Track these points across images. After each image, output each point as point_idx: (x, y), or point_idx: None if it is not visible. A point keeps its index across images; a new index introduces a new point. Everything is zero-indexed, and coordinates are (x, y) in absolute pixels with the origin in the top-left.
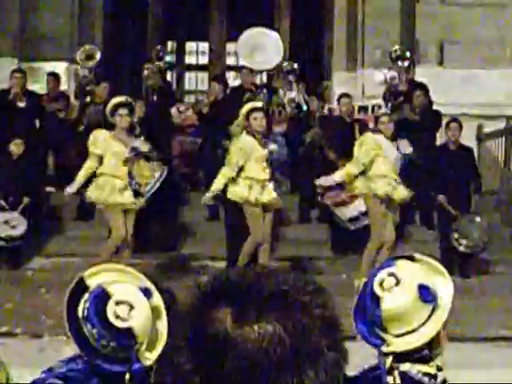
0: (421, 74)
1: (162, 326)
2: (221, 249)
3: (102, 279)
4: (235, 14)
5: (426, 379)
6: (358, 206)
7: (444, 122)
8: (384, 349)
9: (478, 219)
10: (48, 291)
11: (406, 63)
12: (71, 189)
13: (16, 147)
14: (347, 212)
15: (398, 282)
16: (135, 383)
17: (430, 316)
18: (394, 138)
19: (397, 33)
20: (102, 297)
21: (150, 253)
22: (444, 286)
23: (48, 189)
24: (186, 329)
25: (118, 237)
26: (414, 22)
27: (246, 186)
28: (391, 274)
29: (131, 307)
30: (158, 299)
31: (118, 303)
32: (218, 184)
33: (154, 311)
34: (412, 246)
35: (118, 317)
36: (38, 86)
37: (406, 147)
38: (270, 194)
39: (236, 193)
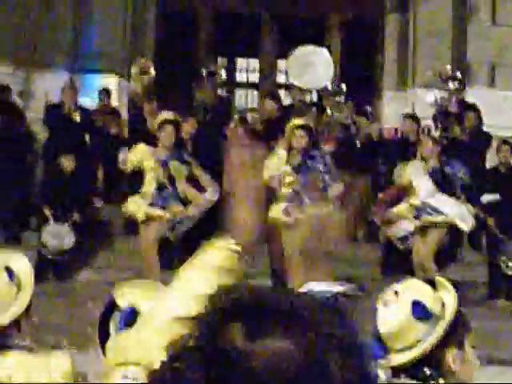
0: (471, 96)
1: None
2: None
3: (132, 297)
4: (286, 32)
5: None
6: (407, 226)
7: (494, 144)
8: (383, 361)
9: None
10: (95, 304)
11: (457, 84)
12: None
13: (67, 162)
14: (396, 231)
15: (396, 298)
16: None
17: (428, 333)
18: (440, 161)
19: (448, 53)
20: (131, 315)
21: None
22: (449, 304)
23: (96, 203)
24: (199, 343)
25: (149, 253)
26: (465, 43)
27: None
28: (395, 292)
29: None
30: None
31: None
32: None
33: None
34: (460, 268)
35: None
36: (88, 100)
37: (459, 168)
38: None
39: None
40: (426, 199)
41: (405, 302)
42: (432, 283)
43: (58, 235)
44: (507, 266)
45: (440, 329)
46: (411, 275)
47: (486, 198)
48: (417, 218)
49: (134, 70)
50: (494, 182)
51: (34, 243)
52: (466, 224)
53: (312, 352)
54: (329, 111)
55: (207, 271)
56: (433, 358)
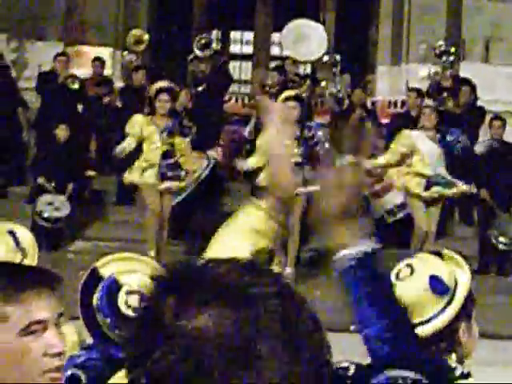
0: (466, 71)
1: None
2: None
3: (115, 268)
4: (281, 4)
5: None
6: (393, 199)
7: (488, 118)
8: None
9: None
10: None
11: (451, 58)
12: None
13: (61, 132)
14: (384, 204)
15: (412, 272)
16: None
17: (444, 308)
18: (437, 130)
19: (442, 29)
20: (113, 287)
21: (190, 241)
22: (463, 279)
23: (89, 173)
24: (142, 321)
25: (149, 221)
26: (460, 18)
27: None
28: (408, 265)
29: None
30: None
31: (129, 293)
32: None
33: None
34: (450, 242)
35: (129, 306)
36: (83, 71)
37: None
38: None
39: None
40: (436, 169)
41: (422, 276)
42: (440, 256)
43: (54, 204)
44: (498, 241)
45: (456, 303)
46: (403, 248)
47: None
48: (427, 188)
49: (128, 40)
50: (486, 156)
51: (27, 214)
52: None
53: (255, 326)
54: (323, 83)
55: (245, 233)
56: (447, 332)
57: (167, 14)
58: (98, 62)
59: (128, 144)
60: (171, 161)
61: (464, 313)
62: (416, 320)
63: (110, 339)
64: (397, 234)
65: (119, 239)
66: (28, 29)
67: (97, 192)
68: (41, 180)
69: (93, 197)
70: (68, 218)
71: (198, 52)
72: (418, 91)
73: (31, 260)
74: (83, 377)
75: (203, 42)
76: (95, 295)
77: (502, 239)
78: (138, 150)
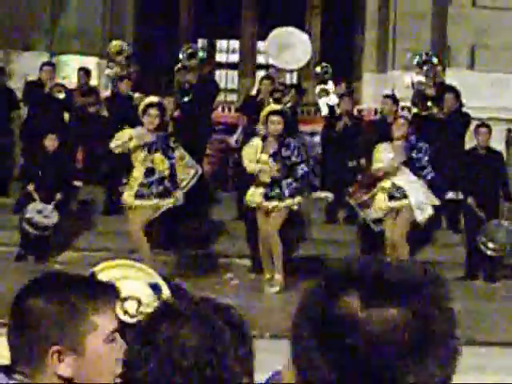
0: (451, 78)
1: None
2: (248, 247)
3: (112, 274)
4: (266, 13)
5: None
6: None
7: (473, 125)
8: None
9: (505, 223)
10: None
11: (431, 69)
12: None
13: (50, 142)
14: (371, 214)
15: (139, 302)
16: None
17: None
18: (407, 140)
19: (428, 35)
20: None
21: (177, 250)
22: None
23: (76, 183)
24: (311, 311)
25: (138, 238)
26: (446, 25)
27: (254, 191)
28: (127, 298)
29: (139, 303)
30: (167, 296)
31: (126, 299)
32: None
33: None
34: (438, 249)
35: (125, 312)
36: (68, 81)
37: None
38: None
39: (251, 197)
40: (397, 181)
41: (147, 292)
42: None
43: (43, 212)
44: (486, 247)
45: None
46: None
47: (449, 195)
48: (391, 198)
49: (108, 49)
50: (472, 163)
51: (13, 224)
52: (421, 214)
53: (428, 322)
54: (317, 91)
55: None
56: None
57: (153, 24)
58: (84, 71)
59: (123, 144)
60: (154, 178)
61: None
62: None
63: None
64: (383, 243)
65: (107, 249)
66: (14, 39)
67: (84, 202)
68: (30, 188)
69: (80, 207)
70: (56, 227)
71: (184, 61)
72: (394, 98)
73: None
74: None
75: (190, 51)
76: None
77: (490, 245)
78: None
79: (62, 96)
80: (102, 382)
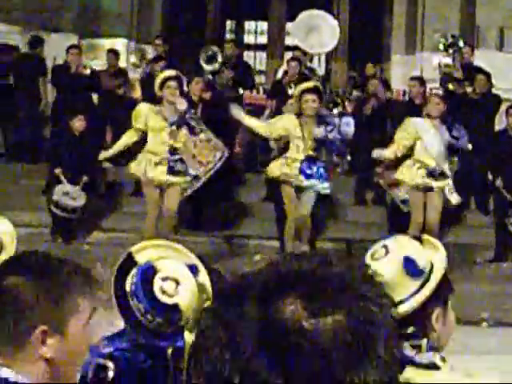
0: (480, 59)
1: (208, 303)
2: (276, 229)
3: (150, 255)
4: None
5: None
6: None
7: (503, 107)
8: None
9: None
10: (103, 265)
11: (458, 51)
12: (103, 154)
13: (78, 123)
14: (400, 194)
15: (387, 253)
16: (177, 359)
17: (417, 291)
18: (443, 120)
19: (456, 17)
20: (148, 272)
21: (205, 232)
22: (438, 264)
23: (105, 165)
24: (251, 319)
25: (149, 214)
26: (474, 7)
27: (280, 165)
28: (384, 246)
29: (177, 283)
30: (204, 277)
31: (164, 279)
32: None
33: (200, 289)
34: (466, 231)
35: (164, 292)
36: (97, 63)
37: (463, 141)
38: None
39: (270, 169)
40: (439, 161)
41: (396, 257)
42: (419, 240)
43: (70, 194)
44: None
45: (429, 287)
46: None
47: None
48: (429, 175)
49: (133, 59)
50: (502, 145)
51: (42, 205)
52: (457, 195)
53: (374, 325)
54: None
55: None
56: (418, 317)
57: (182, 5)
58: (112, 53)
59: (124, 142)
60: (178, 156)
61: (438, 298)
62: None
63: (142, 325)
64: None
65: (135, 230)
66: (43, 21)
67: (113, 183)
68: (57, 171)
69: (109, 188)
70: (83, 208)
71: (205, 66)
72: (421, 80)
73: (8, 254)
74: (112, 367)
75: (209, 54)
76: (129, 280)
77: None
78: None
79: (87, 72)
80: (78, 363)
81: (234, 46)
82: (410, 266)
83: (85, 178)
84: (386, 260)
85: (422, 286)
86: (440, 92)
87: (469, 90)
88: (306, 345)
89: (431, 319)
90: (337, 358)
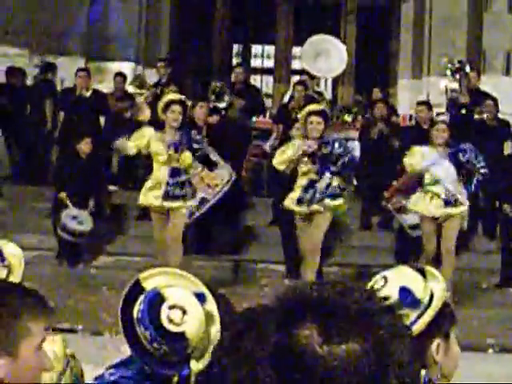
0: (486, 84)
1: (215, 332)
2: (282, 253)
3: (158, 282)
4: (301, 18)
5: None
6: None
7: None
8: None
9: None
10: (110, 289)
11: (467, 74)
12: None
13: (85, 146)
14: (408, 219)
15: (385, 283)
16: None
17: (413, 322)
18: (447, 145)
19: (463, 41)
20: (156, 300)
21: (213, 256)
22: (438, 294)
23: (111, 188)
24: (268, 344)
25: (156, 239)
26: (481, 31)
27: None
28: (383, 277)
29: (184, 312)
30: (211, 305)
31: (171, 307)
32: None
33: (207, 317)
34: (473, 257)
35: (171, 321)
36: (104, 86)
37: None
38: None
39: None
40: (449, 188)
41: (393, 288)
42: (422, 272)
43: (78, 219)
44: None
45: (426, 317)
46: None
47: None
48: (446, 204)
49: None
50: (509, 169)
51: (47, 228)
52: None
53: (388, 353)
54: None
55: None
56: (417, 348)
57: (189, 28)
58: (120, 77)
59: (130, 147)
60: (179, 179)
61: (438, 328)
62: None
63: (148, 352)
64: (419, 249)
65: (141, 254)
66: (50, 44)
67: (119, 206)
68: (62, 195)
69: (115, 211)
70: (90, 232)
71: (218, 105)
72: (428, 104)
73: (16, 277)
74: None
75: (217, 91)
76: (137, 307)
77: None
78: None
79: (88, 94)
80: None
81: (243, 70)
82: (406, 296)
83: (91, 203)
84: (382, 291)
85: (419, 317)
86: (446, 119)
87: (476, 115)
88: (319, 370)
89: (430, 350)
90: (349, 382)
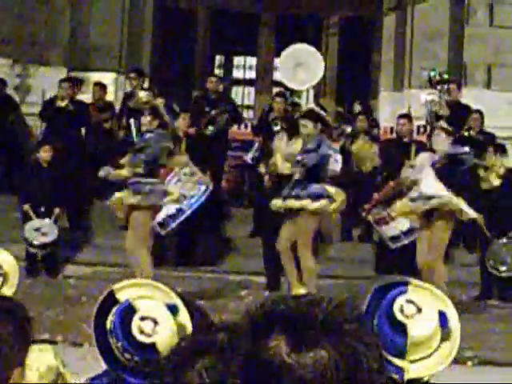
0: (467, 96)
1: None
2: (263, 265)
3: (131, 293)
4: (283, 30)
5: None
6: (399, 225)
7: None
8: (405, 377)
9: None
10: (89, 300)
11: (446, 86)
12: (105, 171)
13: (45, 154)
14: (388, 230)
15: (419, 310)
16: None
17: (441, 341)
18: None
19: (444, 54)
20: (127, 311)
21: (193, 267)
22: (451, 312)
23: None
24: (239, 355)
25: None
26: (462, 44)
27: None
28: (409, 301)
29: (156, 323)
30: (184, 317)
31: (142, 318)
32: None
33: (179, 328)
34: (454, 269)
35: (142, 332)
36: (86, 96)
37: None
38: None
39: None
40: (424, 190)
41: (430, 313)
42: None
43: (41, 230)
44: (494, 268)
45: (457, 337)
46: (402, 274)
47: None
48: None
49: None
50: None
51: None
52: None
53: (357, 361)
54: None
55: None
56: None
57: (171, 39)
58: (99, 86)
59: (115, 175)
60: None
61: None
62: (420, 355)
63: (121, 363)
64: (400, 261)
65: (120, 265)
66: (32, 54)
67: (100, 217)
68: (25, 207)
69: (95, 222)
70: (58, 242)
71: (209, 130)
72: (409, 117)
73: (11, 285)
74: None
75: (207, 119)
76: (109, 319)
77: (501, 268)
78: None
79: (63, 104)
80: None
81: (218, 81)
82: (443, 320)
83: (57, 211)
84: (422, 317)
85: (444, 335)
86: (447, 126)
87: (465, 133)
88: (287, 380)
89: None
90: None
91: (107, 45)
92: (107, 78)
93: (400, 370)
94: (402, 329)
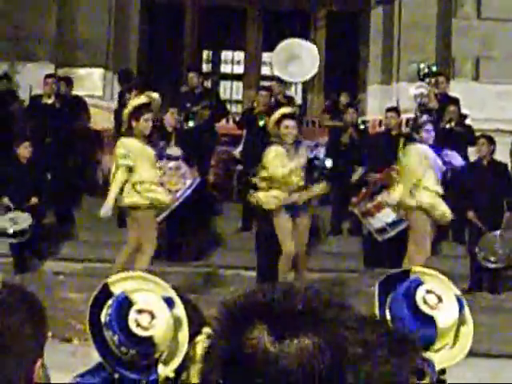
0: (455, 89)
1: (183, 336)
2: (253, 259)
3: (126, 286)
4: (271, 24)
5: None
6: (384, 217)
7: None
8: (436, 369)
9: (505, 234)
10: (78, 296)
11: (435, 79)
12: (105, 209)
13: (25, 151)
14: (375, 223)
15: (439, 298)
16: None
17: (460, 326)
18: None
19: (432, 47)
20: (124, 304)
21: (183, 262)
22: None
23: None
24: (220, 348)
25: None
26: (450, 37)
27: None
28: (429, 292)
29: (153, 316)
30: (180, 310)
31: (139, 312)
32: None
33: (176, 322)
34: (443, 262)
35: (138, 325)
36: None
37: (457, 159)
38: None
39: (259, 198)
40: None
41: (450, 300)
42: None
43: (13, 220)
44: (484, 260)
45: (471, 324)
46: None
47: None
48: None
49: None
50: (475, 176)
51: None
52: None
53: (341, 346)
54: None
55: None
56: None
57: (158, 34)
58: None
59: (113, 194)
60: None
61: None
62: (443, 344)
63: (117, 356)
64: (387, 253)
65: (109, 260)
66: (18, 50)
67: (90, 213)
68: (5, 201)
69: (86, 218)
70: (31, 230)
71: (189, 125)
72: (397, 110)
73: None
74: None
75: (185, 114)
76: (105, 311)
77: (488, 257)
78: None
79: (50, 101)
80: None
81: (197, 75)
82: (461, 303)
83: (33, 200)
84: (444, 307)
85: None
86: (431, 119)
87: (447, 125)
88: (270, 368)
89: None
90: (303, 381)
91: (95, 40)
92: (95, 73)
93: (430, 363)
94: (429, 321)
